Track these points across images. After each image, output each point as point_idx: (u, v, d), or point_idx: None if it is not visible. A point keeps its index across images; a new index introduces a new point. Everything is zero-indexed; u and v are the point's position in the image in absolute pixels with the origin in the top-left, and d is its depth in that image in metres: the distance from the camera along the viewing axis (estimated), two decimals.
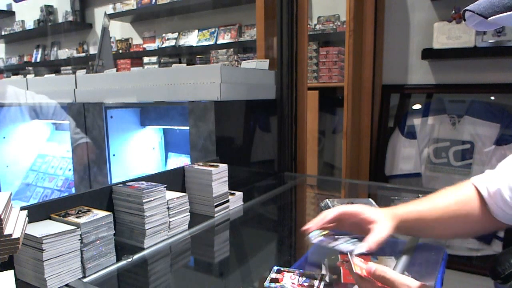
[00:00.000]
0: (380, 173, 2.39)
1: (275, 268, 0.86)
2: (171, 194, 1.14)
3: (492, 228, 0.88)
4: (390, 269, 0.68)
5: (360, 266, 0.71)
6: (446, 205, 0.87)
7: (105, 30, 2.46)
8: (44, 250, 0.80)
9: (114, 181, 1.73)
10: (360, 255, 0.76)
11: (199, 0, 3.54)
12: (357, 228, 0.87)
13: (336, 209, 0.88)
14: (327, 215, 0.87)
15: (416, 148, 2.29)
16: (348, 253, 0.75)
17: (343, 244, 0.78)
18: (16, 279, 0.85)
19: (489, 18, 0.50)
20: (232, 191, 1.40)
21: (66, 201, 0.98)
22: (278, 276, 0.82)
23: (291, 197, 1.75)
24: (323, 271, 0.86)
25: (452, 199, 0.88)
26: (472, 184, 0.89)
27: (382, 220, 0.83)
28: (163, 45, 3.96)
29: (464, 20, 0.55)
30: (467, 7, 0.52)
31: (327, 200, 1.34)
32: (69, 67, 4.74)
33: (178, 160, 2.16)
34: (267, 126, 1.91)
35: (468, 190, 0.88)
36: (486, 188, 0.84)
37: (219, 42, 3.60)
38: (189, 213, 1.18)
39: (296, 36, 1.95)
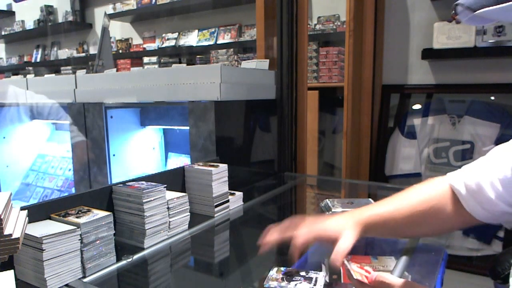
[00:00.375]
0: (380, 173, 2.39)
1: (276, 268, 0.86)
2: (171, 194, 1.14)
3: (463, 226, 0.84)
4: (389, 274, 0.68)
5: (359, 273, 0.71)
6: (413, 204, 0.84)
7: (105, 30, 2.46)
8: (44, 250, 0.80)
9: (114, 181, 1.73)
10: (359, 255, 0.76)
11: (199, 0, 3.54)
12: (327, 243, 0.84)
13: (300, 240, 0.83)
14: (293, 251, 0.82)
15: (416, 148, 2.29)
16: (345, 260, 0.75)
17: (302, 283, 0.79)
18: (16, 279, 0.85)
19: (476, 12, 0.49)
20: (232, 191, 1.40)
21: (66, 201, 0.98)
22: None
23: (291, 197, 1.75)
24: (323, 271, 0.86)
25: (420, 197, 0.84)
26: (445, 180, 0.85)
27: (344, 233, 0.80)
28: (163, 45, 3.96)
29: (457, 14, 0.54)
30: (457, 1, 0.52)
31: (327, 200, 1.34)
32: (69, 67, 4.74)
33: (178, 160, 2.16)
34: (267, 126, 1.91)
35: (439, 187, 0.84)
36: (464, 185, 0.80)
37: (219, 42, 3.60)
38: (189, 213, 1.18)
39: (296, 36, 1.95)
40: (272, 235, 0.87)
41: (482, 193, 0.77)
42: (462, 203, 0.80)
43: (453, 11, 0.53)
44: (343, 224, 0.84)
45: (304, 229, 0.85)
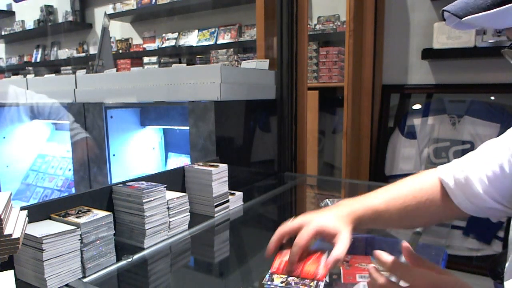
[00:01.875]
0: (380, 173, 2.39)
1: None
2: (171, 194, 1.14)
3: (452, 218, 0.87)
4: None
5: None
6: (406, 197, 0.85)
7: (105, 30, 2.46)
8: (44, 250, 0.80)
9: (114, 181, 1.73)
10: (359, 255, 0.76)
11: (199, 0, 3.54)
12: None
13: (303, 242, 0.80)
14: (295, 251, 0.80)
15: (416, 148, 2.29)
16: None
17: None
18: (16, 279, 0.85)
19: (463, 19, 0.49)
20: (232, 191, 1.40)
21: (66, 201, 0.98)
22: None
23: (291, 197, 1.75)
24: None
25: (412, 190, 0.86)
26: (435, 173, 0.86)
27: (341, 231, 0.80)
28: (163, 45, 3.96)
29: (444, 20, 0.55)
30: (445, 7, 0.52)
31: (327, 200, 1.34)
32: (69, 67, 4.74)
33: (178, 160, 2.16)
34: (267, 126, 1.91)
35: (429, 180, 0.86)
36: (453, 178, 0.81)
37: (219, 42, 3.60)
38: (189, 213, 1.18)
39: (296, 36, 1.95)
40: (279, 238, 0.85)
41: (470, 187, 0.79)
42: (450, 196, 0.82)
43: (442, 16, 0.53)
44: (339, 220, 0.83)
45: (305, 229, 0.83)
